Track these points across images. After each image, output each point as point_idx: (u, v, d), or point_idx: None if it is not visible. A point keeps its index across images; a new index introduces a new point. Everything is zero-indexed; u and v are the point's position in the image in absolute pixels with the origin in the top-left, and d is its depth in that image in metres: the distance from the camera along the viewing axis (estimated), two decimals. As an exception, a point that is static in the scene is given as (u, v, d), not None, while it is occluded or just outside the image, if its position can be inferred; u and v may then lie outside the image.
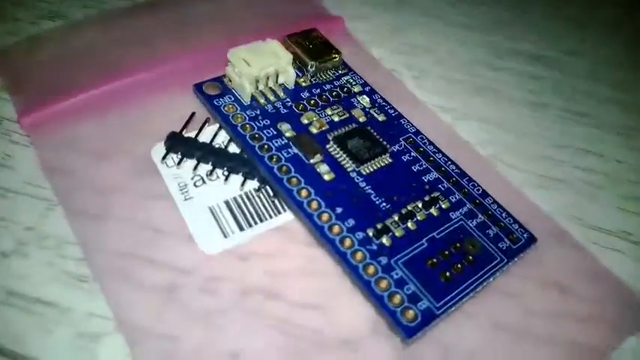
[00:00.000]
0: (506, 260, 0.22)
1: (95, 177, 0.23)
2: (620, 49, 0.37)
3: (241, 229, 0.22)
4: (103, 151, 0.23)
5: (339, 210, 0.22)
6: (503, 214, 0.23)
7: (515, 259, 0.22)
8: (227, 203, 0.22)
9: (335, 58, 0.28)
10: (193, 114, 0.25)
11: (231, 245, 0.21)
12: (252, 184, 0.23)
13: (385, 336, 0.20)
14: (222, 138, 0.24)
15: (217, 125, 0.24)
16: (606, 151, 0.29)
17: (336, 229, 0.21)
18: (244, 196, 0.23)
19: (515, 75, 0.33)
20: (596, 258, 0.24)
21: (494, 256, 0.22)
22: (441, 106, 0.30)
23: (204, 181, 0.23)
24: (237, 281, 0.21)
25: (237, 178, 0.23)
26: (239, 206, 0.22)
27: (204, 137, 0.24)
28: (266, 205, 0.23)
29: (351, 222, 0.21)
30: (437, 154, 0.25)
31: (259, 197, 0.23)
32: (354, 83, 0.28)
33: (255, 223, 0.22)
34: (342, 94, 0.27)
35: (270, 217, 0.22)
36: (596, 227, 0.25)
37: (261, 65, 0.25)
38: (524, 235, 0.23)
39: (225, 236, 0.22)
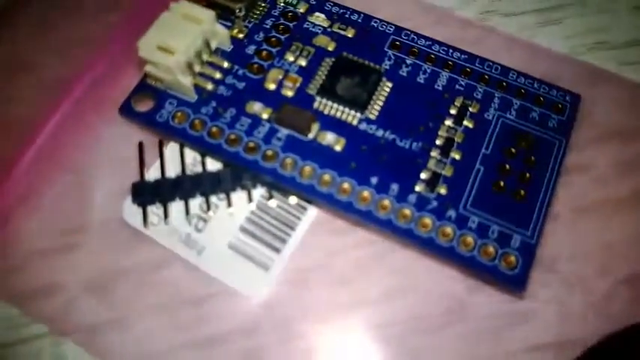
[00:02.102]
0: (564, 139, 0.19)
1: (81, 279, 0.18)
2: None
3: (277, 250, 0.18)
4: (66, 244, 0.18)
5: (374, 180, 0.18)
6: (535, 84, 0.20)
7: (572, 131, 0.19)
8: (244, 230, 0.18)
9: (259, -19, 0.21)
10: (142, 145, 0.19)
11: (279, 275, 0.18)
12: (259, 192, 0.19)
13: (483, 291, 0.18)
14: (194, 155, 0.19)
15: (177, 144, 0.19)
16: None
17: (385, 204, 0.17)
18: (258, 211, 0.19)
19: None
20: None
21: (551, 142, 0.19)
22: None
23: (204, 220, 0.18)
24: (308, 309, 0.17)
25: (239, 195, 0.19)
26: (260, 226, 0.18)
27: (173, 167, 0.19)
28: (287, 208, 0.19)
29: (395, 187, 0.18)
30: (432, 47, 0.21)
31: (276, 205, 0.19)
32: (294, 2, 0.22)
33: (288, 235, 0.18)
34: (291, 25, 0.21)
35: (299, 218, 0.19)
36: (624, 42, 0.22)
37: (185, 43, 0.18)
38: (567, 99, 0.20)
39: (266, 269, 0.18)
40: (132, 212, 0.18)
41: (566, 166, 0.19)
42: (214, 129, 0.18)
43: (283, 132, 0.18)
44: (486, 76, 0.20)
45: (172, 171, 0.19)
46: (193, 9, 0.19)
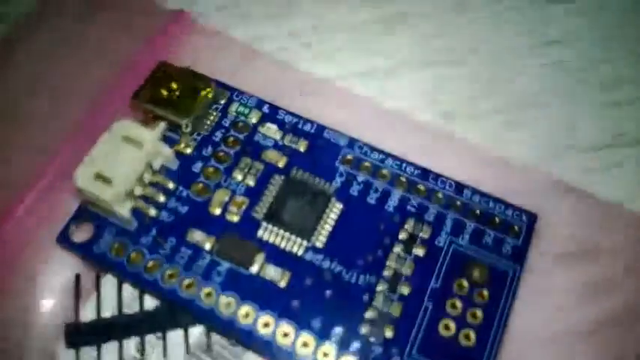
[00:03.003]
0: (519, 266, 0.18)
1: None
2: None
3: (216, 394, 0.17)
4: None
5: (317, 324, 0.17)
6: (490, 203, 0.19)
7: (527, 256, 0.19)
8: (183, 371, 0.17)
9: (208, 92, 0.21)
10: (78, 279, 0.18)
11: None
12: (197, 330, 0.18)
13: None
14: (130, 290, 0.18)
15: (115, 278, 0.18)
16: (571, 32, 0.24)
17: (327, 352, 0.17)
18: (197, 351, 0.18)
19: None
20: (598, 195, 0.20)
21: (506, 271, 0.18)
22: (359, 72, 0.24)
23: (139, 363, 0.17)
24: None
25: (176, 334, 0.18)
26: (199, 366, 0.18)
27: (109, 304, 0.18)
28: (227, 346, 0.18)
29: (339, 331, 0.17)
30: (385, 161, 0.20)
31: (217, 343, 0.18)
32: (246, 111, 0.21)
33: (228, 376, 0.17)
34: (241, 136, 0.20)
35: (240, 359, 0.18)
36: (588, 147, 0.22)
37: (126, 171, 0.18)
38: (523, 219, 0.19)
39: (204, 417, 0.17)
40: (66, 354, 0.17)
41: (521, 292, 0.18)
42: (151, 263, 0.18)
43: (224, 265, 0.18)
44: (439, 195, 0.19)
45: (109, 306, 0.18)
46: (135, 130, 0.19)
